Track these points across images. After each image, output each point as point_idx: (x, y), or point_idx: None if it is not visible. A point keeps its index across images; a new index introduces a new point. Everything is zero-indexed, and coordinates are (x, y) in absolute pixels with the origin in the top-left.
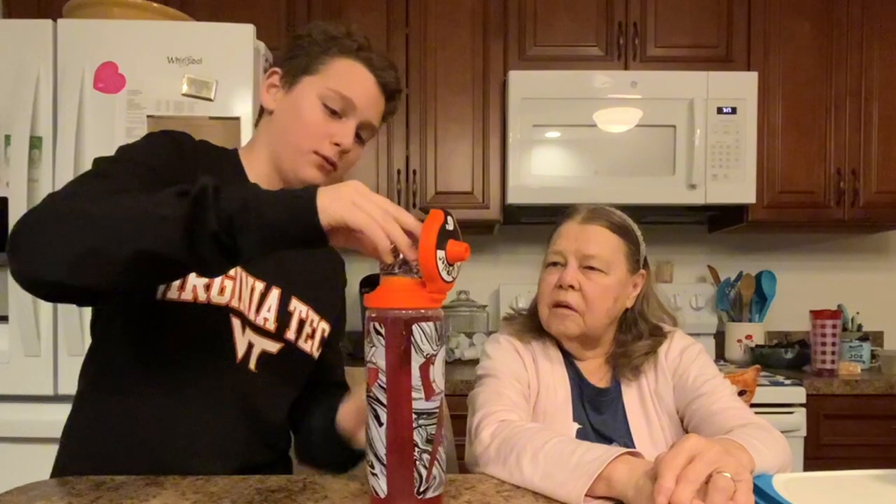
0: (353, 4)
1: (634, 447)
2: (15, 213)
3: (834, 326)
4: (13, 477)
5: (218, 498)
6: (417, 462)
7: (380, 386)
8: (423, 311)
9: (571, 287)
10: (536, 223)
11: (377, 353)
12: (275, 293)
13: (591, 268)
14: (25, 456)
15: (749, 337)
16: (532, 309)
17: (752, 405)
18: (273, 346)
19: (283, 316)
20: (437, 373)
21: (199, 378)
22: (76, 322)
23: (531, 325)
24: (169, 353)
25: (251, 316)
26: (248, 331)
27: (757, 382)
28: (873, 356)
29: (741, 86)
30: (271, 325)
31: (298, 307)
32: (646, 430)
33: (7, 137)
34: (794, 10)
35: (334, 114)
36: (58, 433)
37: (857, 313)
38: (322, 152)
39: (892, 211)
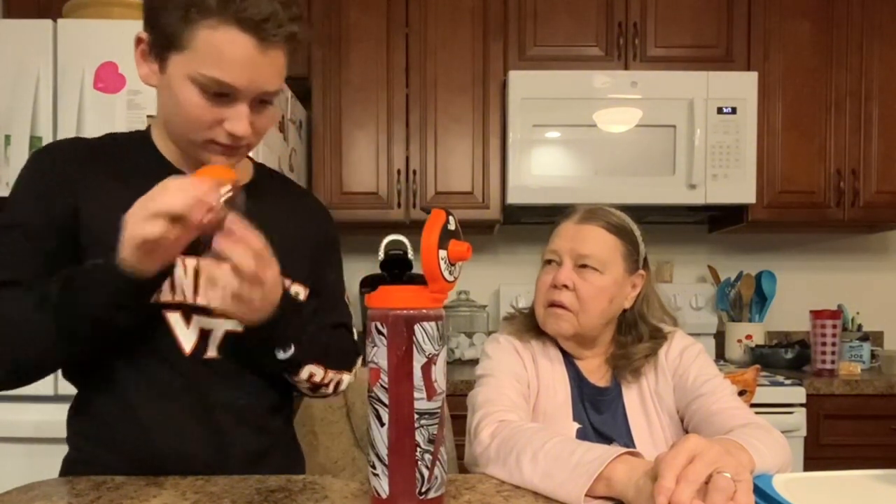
0: (353, 4)
1: (634, 447)
2: None
3: (834, 326)
4: (13, 477)
5: (218, 498)
6: (419, 462)
7: (381, 386)
8: (424, 310)
9: (566, 286)
10: (536, 223)
11: (379, 353)
12: (226, 267)
13: (586, 267)
14: (25, 456)
15: (749, 337)
16: (532, 309)
17: (752, 405)
18: (239, 325)
19: None
20: (439, 373)
21: (152, 384)
22: None
23: (531, 324)
24: (117, 366)
25: (200, 300)
26: (195, 317)
27: (757, 382)
28: (873, 356)
29: (741, 86)
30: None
31: None
32: (646, 430)
33: (7, 137)
34: (794, 10)
35: (217, 96)
36: (58, 433)
37: (857, 313)
38: (219, 141)
39: (892, 211)
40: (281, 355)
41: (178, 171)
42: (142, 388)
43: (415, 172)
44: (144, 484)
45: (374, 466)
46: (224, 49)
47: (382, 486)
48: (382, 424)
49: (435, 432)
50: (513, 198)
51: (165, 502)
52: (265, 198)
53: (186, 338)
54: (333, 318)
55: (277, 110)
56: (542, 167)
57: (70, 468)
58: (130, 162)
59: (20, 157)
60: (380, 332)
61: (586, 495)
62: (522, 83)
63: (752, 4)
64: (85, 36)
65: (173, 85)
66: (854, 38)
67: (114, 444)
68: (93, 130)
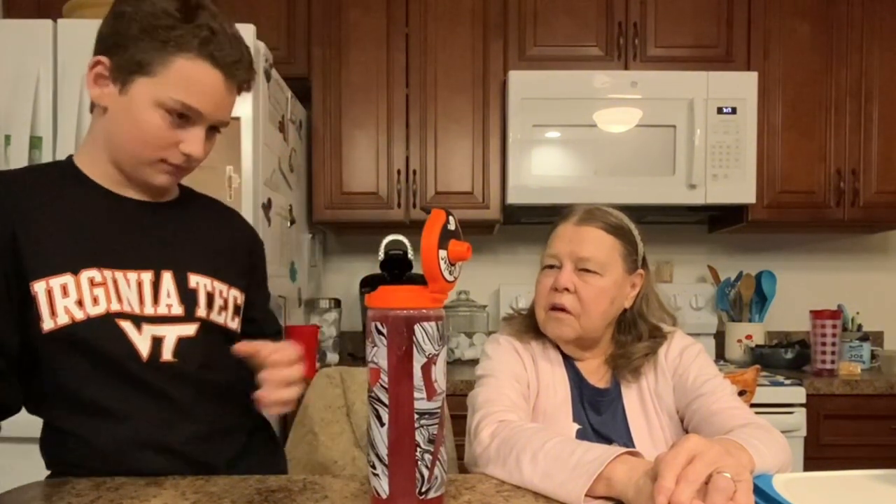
0: (353, 4)
1: (634, 447)
2: None
3: (834, 326)
4: (13, 477)
5: (218, 498)
6: (419, 462)
7: (381, 386)
8: (424, 310)
9: (567, 290)
10: (536, 223)
11: (379, 353)
12: (167, 277)
13: (586, 270)
14: (25, 456)
15: (749, 337)
16: (531, 309)
17: (752, 405)
18: (190, 329)
19: (187, 295)
20: (439, 373)
21: (116, 390)
22: None
23: (531, 325)
24: (79, 378)
25: (147, 310)
26: (145, 326)
27: (757, 382)
28: (873, 356)
29: (741, 86)
30: (178, 310)
31: (200, 281)
32: (645, 431)
33: (7, 137)
34: (794, 10)
35: (180, 118)
36: None
37: (857, 313)
38: (170, 161)
39: (892, 211)
40: None
41: (109, 193)
42: (108, 396)
43: (415, 172)
44: (144, 484)
45: (373, 466)
46: (199, 79)
47: (382, 486)
48: (382, 424)
49: (435, 432)
50: (513, 198)
51: (165, 502)
52: (195, 210)
53: (141, 344)
54: (275, 326)
55: (214, 143)
56: (542, 167)
57: None
58: (59, 189)
59: (20, 157)
60: (380, 333)
61: (586, 495)
62: (522, 83)
63: (752, 4)
64: (85, 36)
65: (135, 106)
66: (854, 38)
67: (91, 456)
68: None
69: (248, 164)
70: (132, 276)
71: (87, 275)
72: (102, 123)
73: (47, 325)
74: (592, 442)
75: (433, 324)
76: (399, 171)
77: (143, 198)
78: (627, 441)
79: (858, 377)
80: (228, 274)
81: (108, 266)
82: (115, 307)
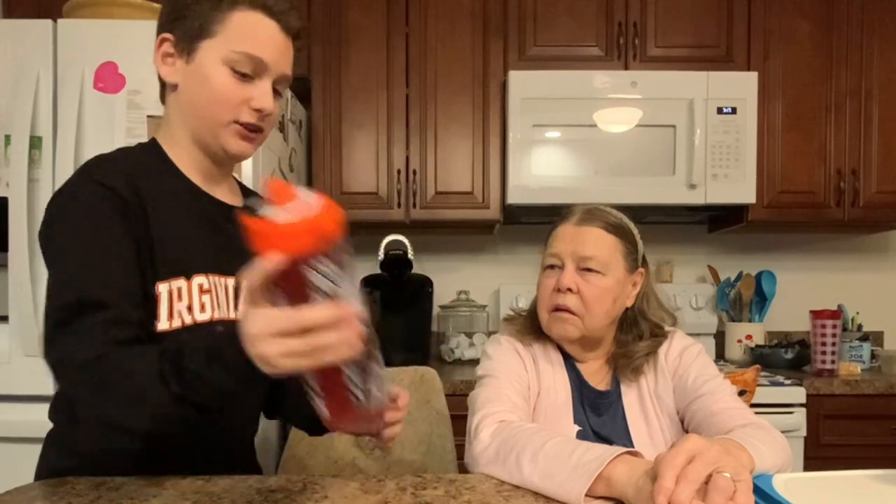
0: (353, 4)
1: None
2: (15, 213)
3: (834, 326)
4: (13, 477)
5: (218, 498)
6: (349, 384)
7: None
8: (306, 253)
9: (570, 290)
10: (536, 223)
11: (279, 297)
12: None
13: (589, 269)
14: (25, 456)
15: (749, 337)
16: (532, 310)
17: (752, 405)
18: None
19: None
20: (352, 299)
21: None
22: None
23: (531, 326)
24: None
25: (233, 315)
26: None
27: (757, 382)
28: (873, 356)
29: (741, 86)
30: None
31: None
32: (645, 432)
33: (7, 137)
34: (794, 9)
35: (246, 76)
36: None
37: (857, 313)
38: (242, 120)
39: (892, 211)
40: None
41: (201, 193)
42: None
43: (415, 172)
44: (144, 484)
45: (310, 392)
46: (257, 28)
47: (323, 410)
48: None
49: (358, 357)
50: (513, 198)
51: (165, 502)
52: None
53: None
54: None
55: (281, 107)
56: (542, 167)
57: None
58: (152, 175)
59: (20, 157)
60: (276, 286)
61: (586, 495)
62: (522, 83)
63: (752, 4)
64: (85, 36)
65: (204, 69)
66: (854, 38)
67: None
68: (93, 130)
69: (247, 164)
70: (230, 281)
71: (197, 281)
72: (176, 100)
73: (162, 325)
74: (592, 443)
75: (322, 260)
76: (399, 171)
77: (221, 198)
78: (627, 442)
79: (858, 377)
80: None
81: (212, 272)
82: (217, 314)
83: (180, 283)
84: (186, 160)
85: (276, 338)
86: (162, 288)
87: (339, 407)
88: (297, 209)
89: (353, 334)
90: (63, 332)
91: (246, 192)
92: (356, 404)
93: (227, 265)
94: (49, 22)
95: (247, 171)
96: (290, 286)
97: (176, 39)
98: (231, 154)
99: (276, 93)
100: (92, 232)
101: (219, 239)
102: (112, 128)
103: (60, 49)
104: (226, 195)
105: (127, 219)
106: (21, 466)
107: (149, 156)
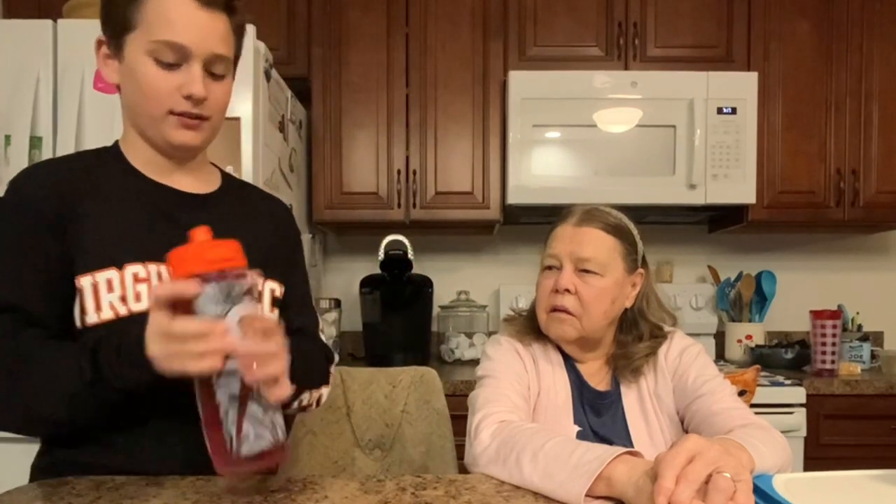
0: (353, 4)
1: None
2: None
3: (834, 326)
4: (13, 477)
5: (218, 498)
6: (224, 420)
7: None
8: (202, 274)
9: (567, 291)
10: (536, 223)
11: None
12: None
13: (587, 270)
14: (25, 456)
15: (749, 337)
16: (532, 311)
17: (752, 405)
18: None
19: None
20: (233, 332)
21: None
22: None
23: (531, 326)
24: None
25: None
26: None
27: (757, 382)
28: (873, 356)
29: (741, 86)
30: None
31: None
32: (645, 432)
33: (7, 137)
34: (794, 10)
35: (172, 66)
36: None
37: (857, 313)
38: (177, 110)
39: (892, 211)
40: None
41: (151, 182)
42: (141, 402)
43: (415, 172)
44: (145, 484)
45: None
46: (171, 12)
47: (207, 441)
48: (194, 383)
49: (236, 390)
50: (513, 198)
51: (165, 502)
52: (235, 202)
53: None
54: (298, 321)
55: (230, 85)
56: (542, 167)
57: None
58: (107, 175)
59: (20, 157)
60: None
61: (586, 495)
62: (522, 83)
63: (752, 4)
64: (85, 36)
65: (131, 64)
66: (854, 38)
67: (111, 452)
68: (93, 130)
69: (247, 164)
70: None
71: (131, 270)
72: (122, 100)
73: (91, 318)
74: (592, 443)
75: (214, 285)
76: (399, 171)
77: (184, 188)
78: (627, 443)
79: (858, 377)
80: (265, 266)
81: (151, 260)
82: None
83: (109, 273)
84: (138, 155)
85: (160, 340)
86: (84, 281)
87: (215, 444)
88: (196, 241)
89: (217, 349)
90: None
91: (229, 181)
92: (227, 443)
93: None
94: (49, 22)
95: (247, 171)
96: (180, 306)
97: (108, 39)
98: (174, 145)
99: (214, 75)
100: (2, 242)
101: (171, 228)
102: (112, 128)
103: (60, 49)
104: (188, 185)
105: (38, 225)
106: (21, 466)
107: (99, 156)
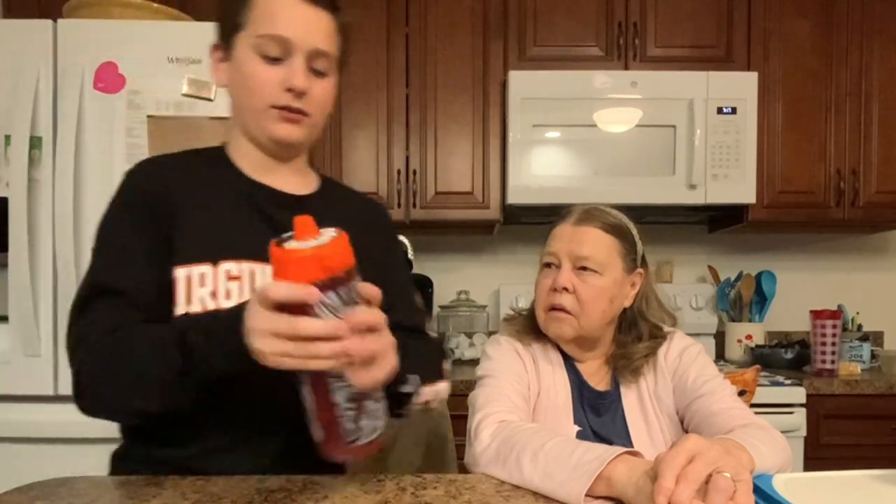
0: (353, 4)
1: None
2: (15, 213)
3: (834, 326)
4: (13, 477)
5: (218, 498)
6: (342, 418)
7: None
8: (321, 281)
9: (566, 289)
10: (536, 223)
11: None
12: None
13: (585, 269)
14: (25, 456)
15: (749, 337)
16: (532, 310)
17: (752, 405)
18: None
19: None
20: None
21: (226, 384)
22: None
23: (531, 326)
24: None
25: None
26: None
27: (757, 382)
28: (873, 356)
29: (741, 86)
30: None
31: None
32: (645, 432)
33: (7, 137)
34: (794, 10)
35: (276, 60)
36: (58, 433)
37: (857, 313)
38: (278, 104)
39: (892, 211)
40: (406, 388)
41: (250, 181)
42: (217, 397)
43: (415, 172)
44: (144, 484)
45: (308, 416)
46: (277, 8)
47: (317, 432)
48: (305, 384)
49: (356, 392)
50: (513, 198)
51: (165, 502)
52: (333, 204)
53: None
54: (408, 320)
55: (332, 84)
56: (542, 167)
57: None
58: (207, 174)
59: (20, 157)
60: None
61: (586, 495)
62: (522, 83)
63: (752, 4)
64: (85, 36)
65: (239, 62)
66: (854, 38)
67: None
68: (93, 130)
69: None
70: (268, 269)
71: (225, 266)
72: (230, 102)
73: (180, 310)
74: (592, 443)
75: (333, 293)
76: (399, 171)
77: (283, 188)
78: (627, 443)
79: (858, 377)
80: (366, 271)
81: (245, 258)
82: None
83: (204, 268)
84: (241, 154)
85: (272, 337)
86: (179, 273)
87: (330, 434)
88: (313, 242)
89: (341, 350)
90: (78, 317)
91: (328, 183)
92: (344, 437)
93: (267, 252)
94: (49, 22)
95: None
96: (296, 311)
97: (220, 43)
98: (275, 139)
99: (317, 72)
100: (111, 230)
101: (266, 226)
102: (112, 128)
103: (60, 49)
104: (288, 185)
105: (145, 215)
106: (21, 466)
107: (206, 153)
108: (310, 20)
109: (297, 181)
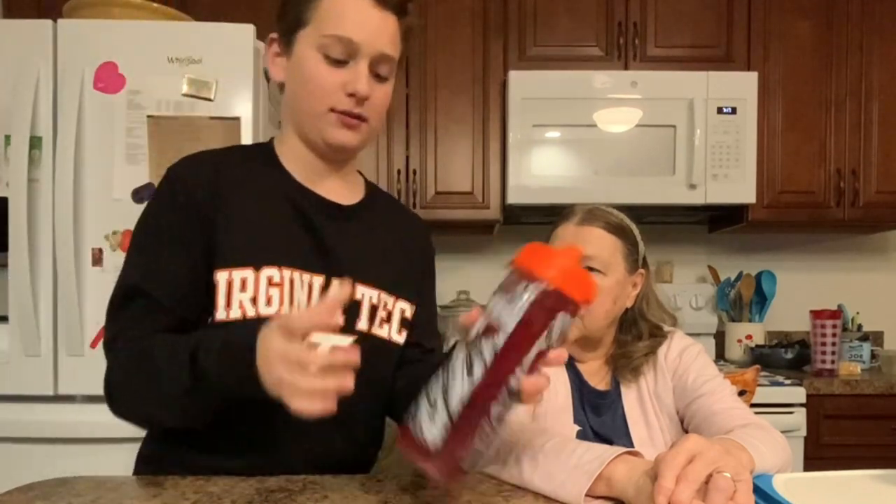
0: None
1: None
2: (15, 213)
3: (834, 326)
4: (13, 477)
5: (218, 498)
6: (479, 433)
7: (492, 342)
8: (576, 303)
9: None
10: (536, 223)
11: (509, 312)
12: (335, 284)
13: (590, 269)
14: (25, 456)
15: (749, 337)
16: None
17: (752, 405)
18: (344, 341)
19: (350, 307)
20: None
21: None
22: (76, 322)
23: None
24: None
25: None
26: None
27: (757, 382)
28: (873, 356)
29: (741, 86)
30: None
31: (366, 293)
32: (645, 432)
33: (7, 137)
34: (794, 10)
35: (339, 63)
36: (58, 433)
37: (857, 313)
38: (339, 108)
39: (892, 211)
40: None
41: (299, 187)
42: (252, 406)
43: (415, 172)
44: (145, 484)
45: (433, 406)
46: (345, 8)
47: (432, 433)
48: (470, 376)
49: (505, 415)
50: (513, 198)
51: (166, 502)
52: (376, 215)
53: None
54: (431, 342)
55: (391, 89)
56: (542, 167)
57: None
58: (257, 174)
59: (20, 157)
60: (524, 293)
61: (586, 495)
62: (522, 83)
63: (752, 4)
64: (85, 36)
65: (300, 60)
66: (854, 38)
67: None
68: (93, 130)
69: None
70: (307, 277)
71: (267, 273)
72: (285, 98)
73: (220, 314)
74: (592, 443)
75: (569, 319)
76: (399, 171)
77: (329, 195)
78: (627, 443)
79: (858, 377)
80: (398, 285)
81: (287, 265)
82: (285, 310)
83: (246, 273)
84: (291, 156)
85: (288, 371)
86: (220, 276)
87: (453, 443)
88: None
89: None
90: (113, 316)
91: (372, 192)
92: (465, 451)
93: (313, 262)
94: (49, 22)
95: None
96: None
97: (280, 37)
98: (331, 144)
99: (379, 77)
100: (153, 229)
101: (309, 235)
102: (112, 128)
103: (60, 49)
104: (335, 193)
105: (189, 216)
106: (21, 466)
107: (254, 151)
108: (378, 23)
109: (345, 189)
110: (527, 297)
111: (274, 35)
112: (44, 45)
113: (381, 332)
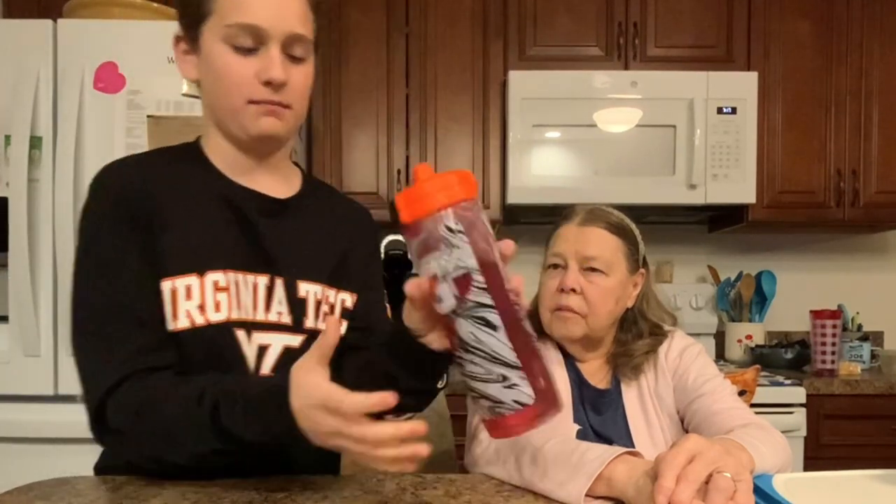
0: (353, 4)
1: (634, 448)
2: (15, 213)
3: (834, 326)
4: (13, 477)
5: (218, 498)
6: (536, 348)
7: (478, 288)
8: (475, 196)
9: (573, 290)
10: (536, 223)
11: (461, 254)
12: (279, 284)
13: (592, 269)
14: (25, 456)
15: (749, 337)
16: (531, 310)
17: (752, 405)
18: (295, 340)
19: (296, 305)
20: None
21: None
22: None
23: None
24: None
25: (259, 316)
26: (255, 333)
27: (757, 382)
28: (873, 356)
29: (741, 86)
30: (287, 319)
31: (310, 289)
32: (645, 431)
33: (7, 137)
34: (794, 10)
35: (249, 51)
36: (58, 433)
37: (857, 313)
38: (256, 98)
39: (892, 211)
40: (441, 384)
41: (232, 185)
42: None
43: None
44: (145, 484)
45: (504, 379)
46: None
47: (525, 391)
48: (496, 328)
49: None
50: (513, 198)
51: (166, 502)
52: (315, 207)
53: (249, 353)
54: (380, 325)
55: (311, 69)
56: (542, 167)
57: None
58: (189, 176)
59: (20, 157)
60: (454, 231)
61: (586, 495)
62: (522, 83)
63: (752, 4)
64: (85, 36)
65: (208, 54)
66: (854, 38)
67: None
68: (93, 130)
69: None
70: (251, 278)
71: (212, 277)
72: (202, 95)
73: (169, 325)
74: (592, 443)
75: (480, 208)
76: (399, 171)
77: (265, 189)
78: (627, 442)
79: (858, 377)
80: (339, 277)
81: (230, 268)
82: (234, 314)
83: (190, 280)
84: (219, 153)
85: (337, 437)
86: (165, 286)
87: (542, 380)
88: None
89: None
90: (94, 345)
91: (309, 183)
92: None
93: (255, 262)
94: (49, 22)
95: None
96: (424, 240)
97: (184, 34)
98: (255, 136)
99: (294, 58)
100: (99, 243)
101: (248, 233)
102: (112, 128)
103: (60, 49)
104: (269, 187)
105: (129, 224)
106: (21, 466)
107: (180, 152)
108: (281, 2)
109: (278, 182)
110: (454, 229)
111: (179, 33)
112: (44, 45)
113: (324, 326)
